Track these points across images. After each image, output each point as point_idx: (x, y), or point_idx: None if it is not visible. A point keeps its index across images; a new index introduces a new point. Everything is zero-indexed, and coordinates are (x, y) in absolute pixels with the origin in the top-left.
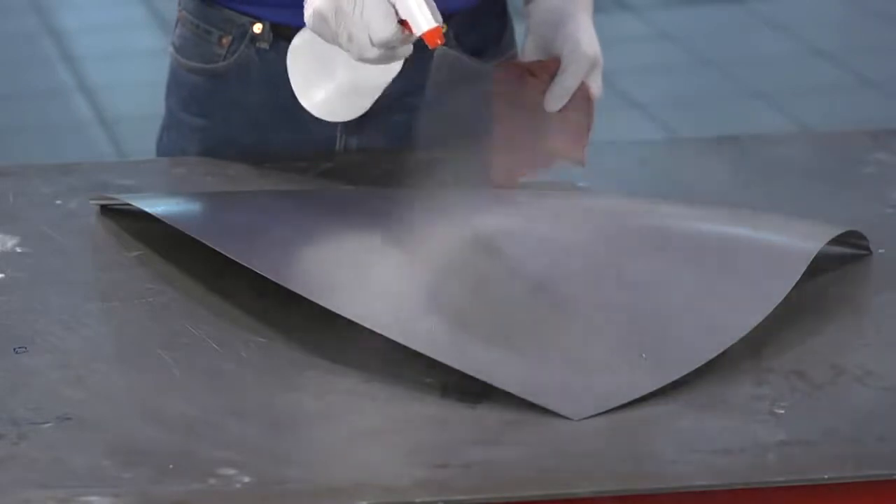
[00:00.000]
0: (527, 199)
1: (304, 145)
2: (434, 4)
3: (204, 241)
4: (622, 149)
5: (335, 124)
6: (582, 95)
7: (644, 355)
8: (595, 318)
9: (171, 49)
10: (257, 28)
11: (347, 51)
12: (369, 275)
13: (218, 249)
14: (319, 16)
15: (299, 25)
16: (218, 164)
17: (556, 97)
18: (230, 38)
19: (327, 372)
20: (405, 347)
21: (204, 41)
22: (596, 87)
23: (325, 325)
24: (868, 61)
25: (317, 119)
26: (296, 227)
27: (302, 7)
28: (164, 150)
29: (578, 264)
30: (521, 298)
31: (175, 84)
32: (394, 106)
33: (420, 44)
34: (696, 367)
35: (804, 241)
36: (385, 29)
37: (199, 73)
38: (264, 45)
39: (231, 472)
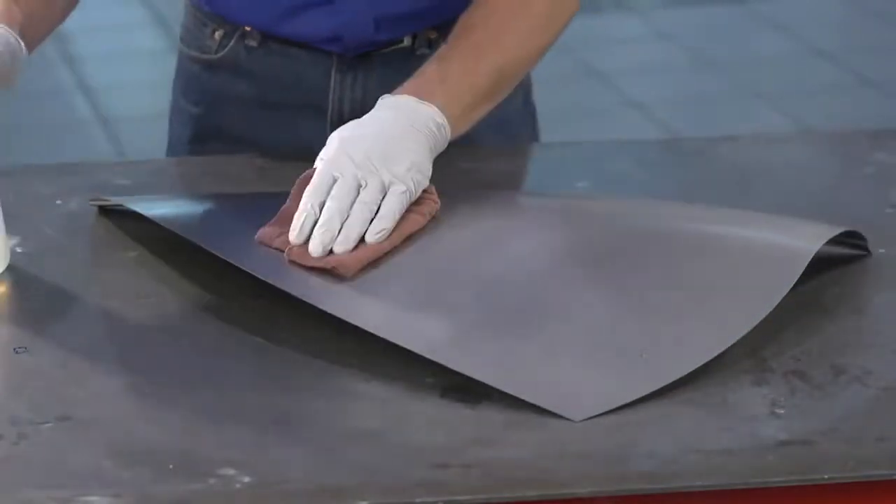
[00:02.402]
0: (526, 201)
1: (294, 142)
2: None
3: (202, 245)
4: (622, 148)
5: (324, 121)
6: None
7: (644, 355)
8: (594, 318)
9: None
10: (248, 27)
11: None
12: (366, 276)
13: (216, 253)
14: None
15: (288, 36)
16: (216, 164)
17: None
18: (222, 31)
19: (326, 372)
20: (405, 348)
21: (201, 32)
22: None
23: (323, 324)
24: (868, 61)
25: (304, 116)
26: None
27: (291, 17)
28: (170, 134)
29: (578, 265)
30: (521, 299)
31: (180, 71)
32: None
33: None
34: (696, 367)
35: (804, 241)
36: None
37: (195, 62)
38: (253, 43)
39: (231, 472)
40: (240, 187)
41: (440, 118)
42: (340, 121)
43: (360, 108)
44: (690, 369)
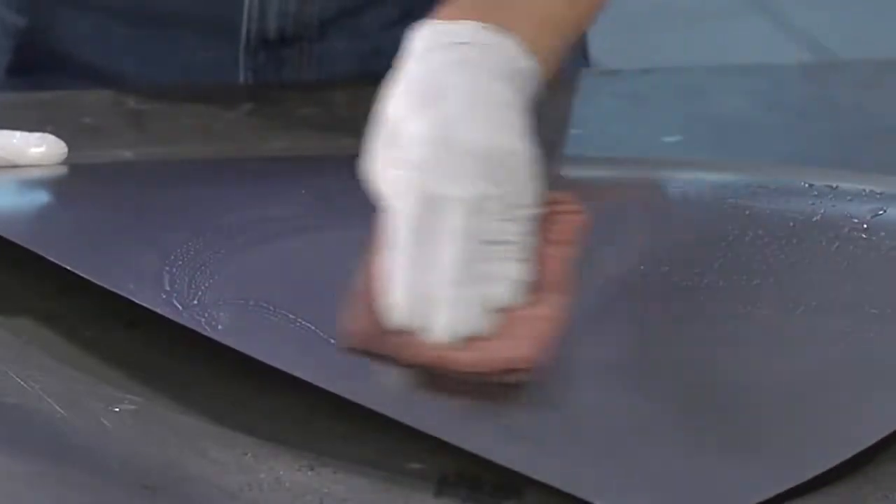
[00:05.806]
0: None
1: (182, 73)
2: None
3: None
4: (739, 78)
5: (234, 42)
6: None
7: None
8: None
9: None
10: None
11: None
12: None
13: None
14: None
15: None
16: (59, 105)
17: None
18: None
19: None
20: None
21: None
22: None
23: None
24: None
25: (196, 35)
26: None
27: None
28: None
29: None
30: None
31: None
32: (330, 30)
33: None
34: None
35: None
36: None
37: None
38: None
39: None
40: (101, 141)
41: (529, 61)
42: (262, 43)
43: (298, 25)
44: (836, 462)
